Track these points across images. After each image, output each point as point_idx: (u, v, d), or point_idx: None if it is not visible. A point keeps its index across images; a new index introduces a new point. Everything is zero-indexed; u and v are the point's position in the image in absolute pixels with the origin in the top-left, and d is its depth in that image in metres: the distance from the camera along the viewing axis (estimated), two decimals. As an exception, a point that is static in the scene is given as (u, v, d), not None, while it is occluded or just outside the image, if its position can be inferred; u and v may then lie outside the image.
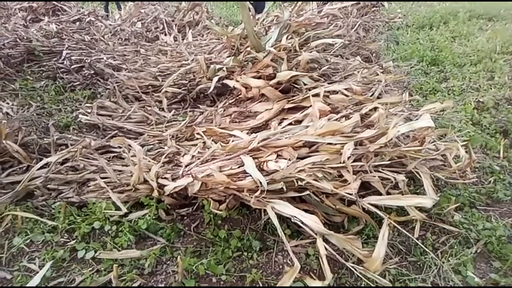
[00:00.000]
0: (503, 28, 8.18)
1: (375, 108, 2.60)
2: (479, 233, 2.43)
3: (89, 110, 3.40)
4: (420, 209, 2.42)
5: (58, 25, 5.98)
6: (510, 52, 6.50)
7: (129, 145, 2.63)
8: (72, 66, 4.56)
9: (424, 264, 2.21)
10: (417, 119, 2.31)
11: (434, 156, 2.39)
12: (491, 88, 5.01)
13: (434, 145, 2.42)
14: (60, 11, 7.06)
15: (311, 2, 3.73)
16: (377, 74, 3.03)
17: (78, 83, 4.38)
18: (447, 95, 4.78)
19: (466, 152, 2.38)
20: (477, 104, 4.49)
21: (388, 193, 2.27)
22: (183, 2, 6.86)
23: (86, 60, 4.58)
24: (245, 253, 2.22)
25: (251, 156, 2.36)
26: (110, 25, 6.33)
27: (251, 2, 6.55)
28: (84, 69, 4.55)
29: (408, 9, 10.21)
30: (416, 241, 2.14)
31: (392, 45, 6.60)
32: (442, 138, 2.69)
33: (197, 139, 2.85)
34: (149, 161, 2.59)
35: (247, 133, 2.76)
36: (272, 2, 4.02)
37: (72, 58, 4.71)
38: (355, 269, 1.96)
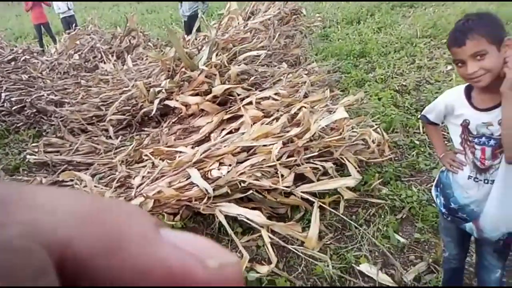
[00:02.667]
0: (422, 13, 8.93)
1: (302, 108, 2.93)
2: (403, 201, 2.82)
3: (36, 150, 3.48)
4: (354, 189, 2.78)
5: (-7, 68, 5.89)
6: (428, 35, 7.15)
7: (79, 176, 2.77)
8: (13, 108, 4.56)
9: (359, 236, 2.55)
10: (334, 113, 2.66)
11: (354, 142, 2.74)
12: (412, 72, 5.56)
13: (354, 131, 2.78)
14: (-8, 52, 6.90)
15: (236, 17, 4.03)
16: (302, 77, 3.37)
17: (21, 123, 4.40)
18: (375, 83, 5.26)
19: (378, 134, 2.77)
20: (400, 88, 4.99)
21: (319, 180, 2.59)
22: (118, 28, 6.96)
23: (27, 100, 4.59)
24: (203, 256, 2.45)
25: (196, 167, 2.60)
26: (47, 60, 6.30)
27: (185, 20, 6.83)
28: (25, 108, 4.56)
29: (338, 6, 10.85)
30: (344, 217, 2.47)
31: (322, 44, 7.08)
32: (361, 124, 3.06)
33: (146, 160, 3.04)
34: (101, 188, 2.75)
35: (192, 147, 2.99)
36: (201, 20, 4.26)
37: (12, 99, 4.71)
38: (297, 250, 2.24)
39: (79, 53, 6.26)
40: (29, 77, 5.49)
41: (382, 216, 2.66)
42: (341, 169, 2.98)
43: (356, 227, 2.58)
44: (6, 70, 5.85)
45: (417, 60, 6.04)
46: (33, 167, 3.39)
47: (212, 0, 8.01)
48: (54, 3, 8.98)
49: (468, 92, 1.47)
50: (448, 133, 1.70)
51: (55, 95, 4.61)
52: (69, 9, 8.96)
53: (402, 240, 2.47)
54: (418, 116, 4.02)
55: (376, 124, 2.90)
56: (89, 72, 5.65)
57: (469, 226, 1.54)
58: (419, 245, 2.47)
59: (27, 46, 7.36)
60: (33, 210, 0.15)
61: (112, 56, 5.93)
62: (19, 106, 4.61)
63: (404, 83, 5.10)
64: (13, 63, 6.36)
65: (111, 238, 0.15)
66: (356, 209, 2.75)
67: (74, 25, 7.93)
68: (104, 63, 5.83)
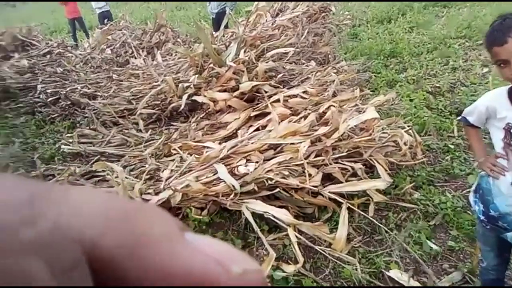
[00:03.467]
0: (457, 13, 8.64)
1: (330, 107, 2.89)
2: (436, 207, 2.73)
3: (70, 140, 3.59)
4: (384, 192, 2.72)
5: (29, 60, 6.10)
6: (463, 36, 6.91)
7: (111, 167, 2.84)
8: (49, 99, 4.72)
9: (389, 241, 2.49)
10: (363, 113, 2.61)
11: (385, 143, 2.67)
12: (446, 73, 5.39)
13: (384, 132, 2.72)
14: (29, 46, 7.17)
15: (264, 14, 4.02)
16: (331, 75, 3.32)
17: (56, 115, 4.55)
18: (407, 84, 5.13)
19: (411, 135, 2.68)
20: (434, 89, 4.84)
21: (348, 181, 2.55)
22: (149, 24, 7.08)
23: (62, 92, 4.74)
24: (229, 251, 2.46)
25: (223, 163, 2.61)
26: (80, 54, 6.48)
27: (213, 17, 6.86)
28: (60, 100, 4.71)
29: (368, 5, 10.65)
30: (373, 220, 2.41)
31: (351, 43, 6.95)
32: (391, 126, 2.98)
33: (174, 154, 3.07)
34: (132, 180, 2.81)
35: (219, 143, 3.00)
36: (230, 17, 4.27)
37: (48, 91, 4.87)
38: (324, 251, 2.21)
39: (111, 47, 6.41)
40: (63, 70, 5.67)
41: (414, 222, 2.58)
42: (371, 171, 2.92)
43: (386, 231, 2.52)
44: (42, 63, 6.07)
45: (451, 61, 5.84)
46: (68, 157, 3.50)
47: (240, 0, 8.03)
48: (91, -4, 9.23)
49: (511, 94, 1.40)
50: (488, 136, 1.63)
51: (88, 88, 4.73)
52: (105, 3, 9.19)
53: (435, 247, 2.39)
54: (454, 119, 3.90)
55: (408, 126, 2.81)
56: (121, 67, 5.77)
57: (510, 235, 1.46)
58: (453, 253, 2.38)
59: (61, 40, 7.62)
60: (63, 209, 0.16)
61: (143, 51, 6.04)
62: (54, 98, 4.76)
63: (437, 85, 4.94)
64: (48, 56, 6.60)
65: (137, 240, 0.16)
66: (386, 213, 2.68)
67: (108, 20, 8.11)
68: (135, 58, 5.94)
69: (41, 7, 20.66)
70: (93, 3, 9.26)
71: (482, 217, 1.56)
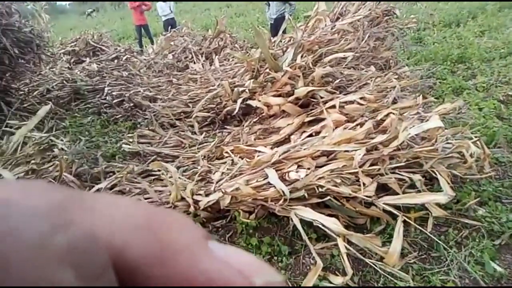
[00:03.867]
0: (535, 16, 7.93)
1: (390, 114, 2.75)
2: (502, 225, 2.48)
3: (131, 140, 3.79)
4: (445, 207, 2.53)
5: (99, 64, 6.59)
6: (542, 41, 6.32)
7: (166, 167, 2.94)
8: (114, 101, 5.04)
9: (447, 259, 2.30)
10: (426, 121, 2.44)
11: (449, 155, 2.49)
12: (521, 80, 4.93)
13: (449, 143, 2.52)
14: (99, 51, 7.75)
15: (324, 18, 3.95)
16: (391, 81, 3.16)
17: (120, 116, 4.84)
18: (474, 91, 4.76)
19: (478, 147, 2.46)
20: (505, 98, 4.44)
21: (405, 193, 2.40)
22: (209, 31, 7.31)
23: (126, 94, 5.05)
24: (275, 257, 2.43)
25: (274, 168, 2.59)
26: (145, 59, 6.87)
27: (272, 23, 6.90)
28: (124, 102, 5.01)
29: (435, 7, 10.11)
30: (431, 236, 2.24)
31: (415, 47, 6.62)
32: (457, 136, 2.77)
33: (226, 157, 3.12)
34: (184, 180, 2.89)
35: (271, 148, 2.99)
36: (288, 22, 4.26)
37: (113, 93, 5.21)
38: (375, 265, 2.10)
39: (173, 53, 6.72)
40: (128, 74, 6.03)
41: (477, 240, 2.36)
42: (430, 183, 2.73)
43: (445, 249, 2.33)
44: (110, 67, 6.52)
45: (527, 68, 5.33)
46: (127, 156, 3.70)
47: (299, 0, 7.97)
48: (158, 5, 9.74)
49: None
50: None
51: (150, 91, 4.99)
52: (171, 11, 9.66)
53: (499, 269, 2.17)
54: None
55: (475, 137, 2.59)
56: (180, 71, 6.03)
57: None
58: (521, 279, 2.15)
59: (128, 46, 8.14)
60: (92, 216, 0.16)
61: (202, 56, 6.24)
62: (118, 100, 5.07)
63: (510, 93, 4.53)
64: (116, 61, 7.08)
65: (161, 248, 0.16)
66: (446, 228, 2.49)
67: (172, 27, 8.50)
68: (194, 63, 6.17)
69: (112, 14, 22.28)
70: (159, 10, 9.76)
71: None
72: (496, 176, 2.98)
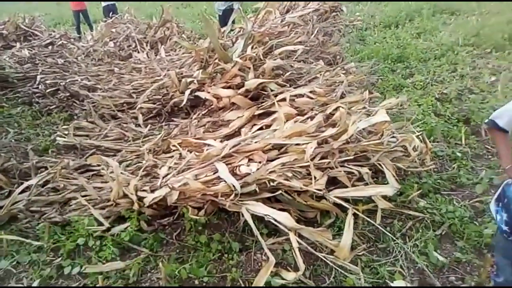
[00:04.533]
0: (465, 21, 8.56)
1: (338, 108, 2.77)
2: (443, 216, 2.61)
3: (66, 132, 3.48)
4: (389, 199, 2.60)
5: (31, 50, 6.02)
6: (471, 44, 6.83)
7: (107, 162, 2.72)
8: (47, 90, 4.61)
9: (393, 249, 2.37)
10: (373, 115, 2.49)
11: (394, 148, 2.56)
12: (454, 80, 5.28)
13: (393, 137, 2.60)
14: (31, 36, 7.07)
15: (273, 11, 3.90)
16: (339, 76, 3.20)
17: (54, 106, 4.43)
18: (413, 89, 5.02)
19: (421, 141, 2.57)
20: (441, 96, 4.73)
21: (354, 186, 2.43)
22: (154, 19, 6.98)
23: (61, 83, 4.63)
24: (226, 255, 2.35)
25: (224, 162, 2.50)
26: (83, 46, 6.38)
27: (220, 14, 6.74)
28: (59, 92, 4.60)
29: (375, 9, 10.56)
30: (379, 227, 2.30)
31: (358, 45, 6.86)
32: (400, 131, 2.87)
33: (174, 151, 2.96)
34: (127, 176, 2.69)
35: (221, 141, 2.89)
36: (235, 14, 4.16)
37: (47, 82, 4.76)
38: (326, 258, 2.09)
39: (114, 41, 6.31)
40: (64, 61, 5.57)
41: (420, 231, 2.47)
42: (376, 176, 2.81)
43: (391, 239, 2.40)
44: (43, 54, 5.97)
45: (459, 68, 5.75)
46: (62, 149, 3.39)
47: (247, 0, 7.90)
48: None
49: None
50: None
51: (89, 80, 4.63)
52: None
53: (441, 258, 2.27)
54: (462, 126, 3.79)
55: (417, 131, 2.70)
56: (123, 60, 5.68)
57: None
58: (460, 265, 2.27)
59: (64, 32, 7.52)
60: None
61: (146, 45, 5.93)
62: (53, 89, 4.65)
63: (445, 91, 4.83)
64: (50, 47, 6.51)
65: None
66: (391, 220, 2.57)
67: (113, 13, 8.00)
68: (138, 52, 5.85)
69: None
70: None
71: (505, 228, 1.45)
72: (435, 169, 3.15)
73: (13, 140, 3.47)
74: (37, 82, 4.85)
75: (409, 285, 2.06)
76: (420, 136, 2.61)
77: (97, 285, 2.07)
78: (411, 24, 8.89)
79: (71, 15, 10.41)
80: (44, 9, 14.13)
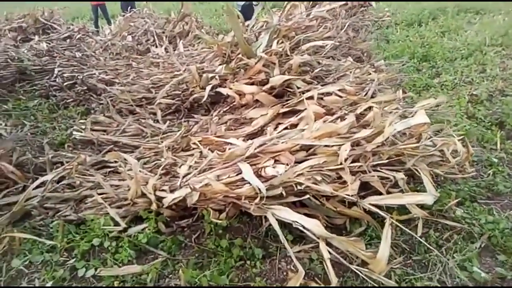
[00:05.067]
0: (491, 20, 8.25)
1: (370, 108, 2.59)
2: (482, 227, 2.41)
3: (83, 127, 3.37)
4: (422, 206, 2.41)
5: (49, 43, 5.99)
6: (499, 44, 6.54)
7: (125, 159, 2.60)
8: (65, 83, 4.54)
9: (429, 262, 2.19)
10: (412, 116, 2.30)
11: (431, 152, 2.37)
12: (483, 81, 5.03)
13: (431, 141, 2.41)
14: (50, 29, 7.06)
15: (299, 5, 3.73)
16: (370, 74, 3.02)
17: (71, 100, 4.36)
18: (440, 90, 4.80)
19: (463, 146, 2.37)
20: (470, 98, 4.50)
21: (388, 192, 2.25)
22: (173, 14, 6.87)
23: (78, 77, 4.56)
24: (248, 262, 2.20)
25: (248, 163, 2.34)
26: (101, 40, 6.32)
27: (239, 10, 6.59)
28: (76, 85, 4.53)
29: (396, 7, 10.28)
30: (420, 239, 2.12)
31: (383, 43, 6.64)
32: (438, 133, 2.68)
33: (194, 149, 2.83)
34: (146, 174, 2.57)
35: (243, 140, 2.74)
36: (262, 8, 4.01)
37: (64, 75, 4.70)
38: (360, 272, 1.93)
39: (133, 35, 6.23)
40: (82, 55, 5.51)
41: (459, 243, 2.27)
42: (408, 182, 2.63)
43: (427, 251, 2.22)
44: (61, 47, 5.93)
45: (488, 69, 5.48)
46: (79, 144, 3.29)
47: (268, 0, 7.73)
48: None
49: None
50: None
51: (107, 74, 4.54)
52: None
53: (483, 274, 2.08)
54: (497, 130, 3.56)
55: (458, 135, 2.50)
56: (141, 55, 5.59)
57: None
58: (505, 283, 2.07)
59: (83, 25, 7.49)
60: None
61: (165, 40, 5.83)
62: (70, 82, 4.58)
63: (474, 93, 4.59)
64: (68, 40, 6.49)
65: None
66: (427, 230, 2.37)
67: (132, 8, 7.93)
68: (156, 47, 5.74)
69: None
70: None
71: None
72: (471, 175, 2.94)
73: (29, 134, 3.38)
74: (54, 75, 4.80)
75: (450, 303, 1.88)
76: (460, 140, 2.41)
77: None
78: (435, 22, 8.61)
79: (89, 10, 10.41)
80: (63, 3, 14.21)
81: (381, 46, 6.31)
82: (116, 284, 1.90)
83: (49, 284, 1.99)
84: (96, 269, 2.11)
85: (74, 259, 2.18)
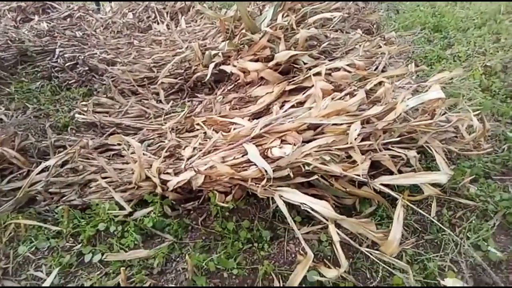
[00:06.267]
0: (505, -14, 7.87)
1: (380, 83, 2.48)
2: (496, 204, 2.33)
3: (85, 109, 3.31)
4: (434, 184, 2.33)
5: (49, 23, 5.86)
6: (515, 11, 6.26)
7: (128, 141, 2.54)
8: (66, 64, 4.44)
9: (442, 242, 2.13)
10: (426, 91, 2.19)
11: (445, 129, 2.27)
12: (497, 51, 4.82)
13: (446, 117, 2.30)
14: (50, 8, 6.91)
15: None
16: (380, 47, 2.88)
17: (73, 81, 4.27)
18: (453, 62, 4.61)
19: (479, 121, 2.26)
20: (484, 69, 4.32)
21: (400, 171, 2.17)
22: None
23: (80, 57, 4.46)
24: (256, 244, 2.16)
25: (254, 143, 2.27)
26: (101, 18, 6.17)
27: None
28: (78, 66, 4.43)
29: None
30: (432, 219, 2.05)
31: (393, 14, 6.39)
32: (452, 108, 2.56)
33: (198, 129, 2.75)
34: (149, 156, 2.51)
35: (249, 119, 2.66)
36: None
37: (66, 55, 4.60)
38: (371, 254, 1.87)
39: (133, 12, 6.06)
40: (83, 34, 5.39)
41: (473, 221, 2.20)
42: (423, 159, 2.54)
43: (439, 230, 2.16)
44: (62, 26, 5.80)
45: (502, 38, 5.24)
46: (82, 127, 3.24)
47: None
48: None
49: None
50: None
51: (108, 54, 4.43)
52: None
53: (498, 254, 2.02)
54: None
55: (474, 110, 2.38)
56: (142, 32, 5.45)
57: None
58: (521, 262, 2.01)
59: (83, 3, 7.31)
60: None
61: (166, 16, 5.66)
62: (71, 63, 4.48)
63: (488, 64, 4.40)
64: (68, 19, 6.34)
65: None
66: (439, 208, 2.30)
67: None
68: (158, 23, 5.59)
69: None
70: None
71: None
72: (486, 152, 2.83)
73: (32, 117, 3.33)
74: (56, 56, 4.69)
75: (465, 284, 1.82)
76: (477, 116, 2.29)
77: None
78: (446, -11, 8.24)
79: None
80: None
81: (391, 17, 6.07)
82: (122, 270, 1.88)
83: (55, 271, 1.97)
84: (102, 254, 2.08)
85: (80, 245, 2.16)
